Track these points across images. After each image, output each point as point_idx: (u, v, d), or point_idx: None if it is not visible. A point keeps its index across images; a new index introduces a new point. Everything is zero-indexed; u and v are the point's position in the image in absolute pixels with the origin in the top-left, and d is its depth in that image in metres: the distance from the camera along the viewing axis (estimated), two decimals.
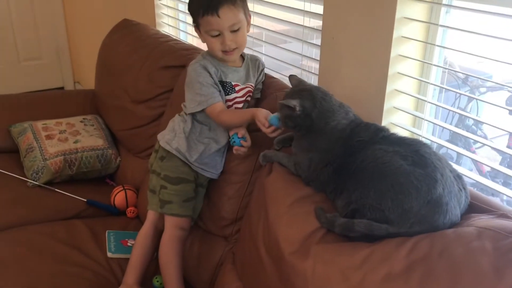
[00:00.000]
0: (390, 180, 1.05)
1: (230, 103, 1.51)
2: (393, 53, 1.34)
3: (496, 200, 1.16)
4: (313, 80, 1.71)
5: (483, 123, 1.84)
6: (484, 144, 1.37)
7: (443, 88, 1.41)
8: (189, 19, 2.38)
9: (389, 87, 1.38)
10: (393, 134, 1.19)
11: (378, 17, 1.34)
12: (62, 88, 4.12)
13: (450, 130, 1.48)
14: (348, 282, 0.98)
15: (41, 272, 1.54)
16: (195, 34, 1.54)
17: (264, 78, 1.64)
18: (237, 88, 1.52)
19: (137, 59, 2.12)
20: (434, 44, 1.37)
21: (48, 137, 2.11)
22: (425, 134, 1.41)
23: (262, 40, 1.96)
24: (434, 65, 1.39)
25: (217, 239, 1.60)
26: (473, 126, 2.32)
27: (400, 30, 1.33)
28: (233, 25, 1.41)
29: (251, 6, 1.90)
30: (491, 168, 1.30)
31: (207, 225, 1.63)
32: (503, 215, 1.02)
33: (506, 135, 2.09)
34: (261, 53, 1.96)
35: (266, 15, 1.89)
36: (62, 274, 1.55)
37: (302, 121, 1.23)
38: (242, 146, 1.45)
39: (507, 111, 1.24)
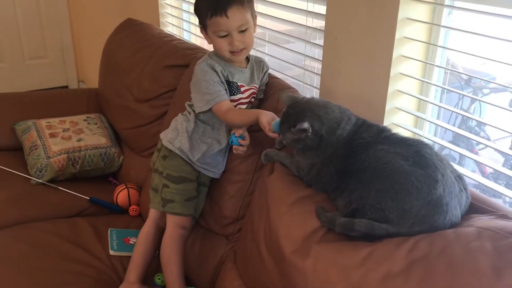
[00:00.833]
0: (391, 180, 1.05)
1: (234, 104, 1.51)
2: (395, 54, 1.34)
3: (496, 201, 1.16)
4: (315, 80, 1.72)
5: (486, 124, 1.84)
6: (487, 146, 1.36)
7: (445, 89, 1.41)
8: (193, 19, 2.39)
9: (391, 88, 1.38)
10: (395, 134, 1.19)
11: (380, 17, 1.35)
12: (66, 87, 4.14)
13: (453, 131, 1.48)
14: (348, 281, 0.98)
15: (43, 269, 1.55)
16: (199, 33, 1.54)
17: (267, 79, 1.64)
18: (242, 89, 1.52)
19: (141, 59, 2.13)
20: (436, 45, 1.37)
21: (52, 135, 2.13)
22: (427, 134, 1.41)
23: (265, 40, 1.97)
24: (436, 65, 1.39)
25: (218, 237, 1.61)
26: (476, 128, 2.32)
27: (403, 31, 1.33)
28: (241, 26, 1.42)
29: (254, 6, 1.91)
30: (494, 169, 1.30)
31: (209, 223, 1.63)
32: (503, 216, 1.02)
33: (509, 136, 2.09)
34: (264, 53, 1.97)
35: (270, 15, 1.89)
36: (65, 271, 1.56)
37: (312, 141, 1.19)
38: (240, 145, 1.46)
39: (511, 113, 1.24)
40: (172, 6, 2.58)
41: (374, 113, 1.42)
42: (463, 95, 2.06)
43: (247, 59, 1.57)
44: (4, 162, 2.09)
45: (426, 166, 1.05)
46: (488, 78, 1.99)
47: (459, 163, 1.98)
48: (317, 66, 1.69)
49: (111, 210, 1.98)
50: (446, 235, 0.97)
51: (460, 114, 1.50)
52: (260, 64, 1.60)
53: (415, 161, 1.06)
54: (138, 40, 2.24)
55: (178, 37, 2.37)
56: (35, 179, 2.00)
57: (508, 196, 1.21)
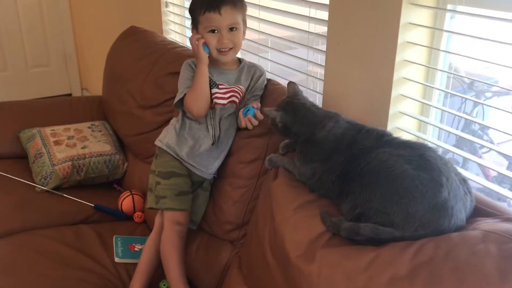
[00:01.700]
0: (395, 184, 1.06)
1: (212, 97, 1.55)
2: (398, 58, 1.35)
3: (501, 204, 1.16)
4: (318, 86, 1.72)
5: (489, 127, 1.84)
6: (490, 149, 1.36)
7: (448, 93, 1.42)
8: None
9: (394, 92, 1.39)
10: (396, 138, 1.19)
11: (383, 22, 1.35)
12: (69, 95, 4.15)
13: (456, 135, 1.48)
14: (354, 285, 0.98)
15: (48, 276, 1.56)
16: None
17: (263, 86, 1.65)
18: (220, 86, 1.56)
19: (144, 66, 2.14)
20: (439, 49, 1.37)
21: (57, 143, 2.14)
22: (431, 138, 1.41)
23: (268, 46, 1.97)
24: (439, 70, 1.39)
25: (223, 243, 1.61)
26: (479, 131, 2.32)
27: (405, 35, 1.33)
28: (231, 24, 1.49)
29: (257, 12, 1.92)
30: (498, 172, 1.29)
31: (213, 229, 1.63)
32: (509, 219, 1.02)
33: None
34: (267, 59, 1.97)
35: (272, 21, 1.90)
36: (70, 278, 1.57)
37: (281, 132, 1.34)
38: (255, 116, 1.49)
39: None
40: (175, 13, 2.59)
41: (377, 118, 1.42)
42: (466, 98, 2.06)
43: (240, 62, 1.60)
44: (9, 170, 2.10)
45: (430, 170, 1.05)
46: (490, 81, 1.99)
47: (463, 167, 1.97)
48: (320, 72, 1.69)
49: (116, 216, 1.98)
50: (451, 238, 0.97)
51: (463, 117, 1.50)
52: (252, 69, 1.63)
53: (419, 165, 1.06)
54: (141, 48, 2.25)
55: (181, 44, 2.38)
56: (40, 186, 2.00)
57: None
